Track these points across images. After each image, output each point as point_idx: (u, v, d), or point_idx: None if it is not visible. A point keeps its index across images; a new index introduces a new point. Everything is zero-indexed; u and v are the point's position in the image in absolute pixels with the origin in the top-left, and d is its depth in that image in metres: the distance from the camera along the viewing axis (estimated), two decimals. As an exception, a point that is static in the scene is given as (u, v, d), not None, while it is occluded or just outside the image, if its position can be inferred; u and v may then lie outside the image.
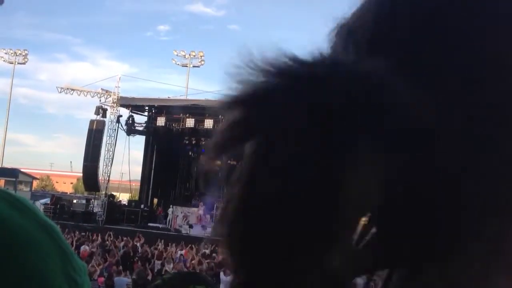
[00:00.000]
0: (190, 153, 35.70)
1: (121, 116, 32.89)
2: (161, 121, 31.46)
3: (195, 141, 31.83)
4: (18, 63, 60.02)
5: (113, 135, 32.55)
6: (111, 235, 23.59)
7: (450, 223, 0.42)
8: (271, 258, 0.41)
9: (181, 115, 30.79)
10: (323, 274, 0.41)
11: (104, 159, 32.42)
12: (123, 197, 42.43)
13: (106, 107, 32.50)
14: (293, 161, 0.39)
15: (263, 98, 0.41)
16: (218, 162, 0.44)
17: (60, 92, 34.72)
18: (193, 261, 18.46)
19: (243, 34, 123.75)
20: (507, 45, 0.42)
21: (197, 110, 30.62)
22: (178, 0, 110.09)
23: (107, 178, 32.77)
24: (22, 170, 48.24)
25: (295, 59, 0.41)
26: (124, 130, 32.98)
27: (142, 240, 23.06)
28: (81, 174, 34.15)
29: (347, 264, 0.42)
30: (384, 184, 0.40)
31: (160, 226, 29.44)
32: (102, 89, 33.05)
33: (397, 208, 0.42)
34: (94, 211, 31.90)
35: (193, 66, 52.17)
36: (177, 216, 30.13)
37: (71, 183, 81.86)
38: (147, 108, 33.41)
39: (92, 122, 32.76)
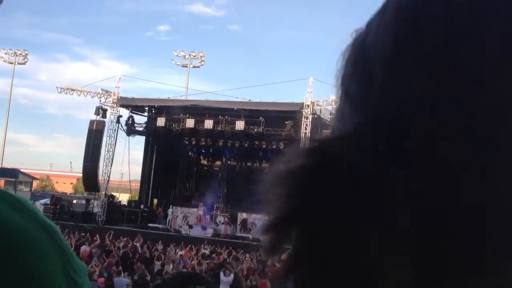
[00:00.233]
0: (190, 153, 35.71)
1: (121, 116, 32.92)
2: (161, 121, 31.48)
3: (195, 141, 31.84)
4: (18, 63, 60.04)
5: (113, 136, 32.59)
6: (111, 235, 23.60)
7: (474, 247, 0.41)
8: None
9: (181, 115, 30.80)
10: None
11: (104, 160, 32.47)
12: (123, 198, 42.48)
13: (106, 107, 32.53)
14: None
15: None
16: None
17: (60, 92, 34.71)
18: (192, 262, 18.47)
19: (243, 34, 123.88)
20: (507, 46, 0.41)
21: (197, 110, 30.63)
22: (178, 0, 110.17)
23: (107, 179, 32.78)
24: (22, 170, 48.25)
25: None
26: (124, 130, 32.99)
27: (142, 241, 23.07)
28: (81, 175, 34.15)
29: None
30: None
31: (160, 226, 29.45)
32: (102, 89, 33.05)
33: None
34: (94, 211, 31.91)
35: (193, 67, 52.25)
36: (177, 216, 30.15)
37: (71, 183, 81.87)
38: (147, 108, 33.43)
39: (92, 122, 32.77)
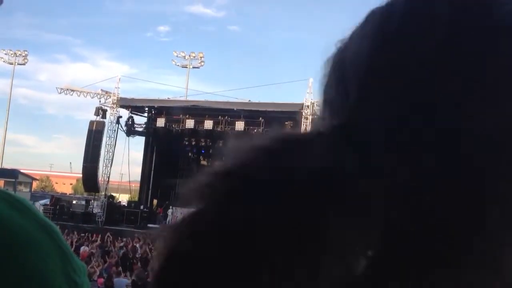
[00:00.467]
0: (189, 154, 35.70)
1: (120, 117, 32.91)
2: (160, 122, 31.47)
3: (194, 142, 31.83)
4: (18, 64, 60.05)
5: (112, 136, 32.58)
6: (110, 236, 23.58)
7: (450, 235, 0.45)
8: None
9: (180, 116, 30.79)
10: None
11: (104, 160, 32.45)
12: (123, 198, 42.46)
13: (106, 108, 32.52)
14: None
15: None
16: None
17: (60, 93, 34.72)
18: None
19: (243, 35, 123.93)
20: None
21: (197, 111, 30.63)
22: (178, 1, 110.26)
23: (107, 179, 32.77)
24: (21, 171, 48.28)
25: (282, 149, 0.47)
26: (123, 131, 32.98)
27: (142, 241, 23.06)
28: (81, 175, 34.14)
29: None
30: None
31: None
32: (102, 90, 33.05)
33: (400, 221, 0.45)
34: (94, 212, 31.88)
35: (193, 67, 52.24)
36: (177, 217, 29.96)
37: (71, 184, 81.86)
38: (146, 109, 33.43)
39: (92, 123, 32.76)
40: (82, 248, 19.26)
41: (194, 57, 51.98)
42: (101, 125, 32.53)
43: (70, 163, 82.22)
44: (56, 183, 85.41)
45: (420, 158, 0.44)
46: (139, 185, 35.95)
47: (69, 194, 60.04)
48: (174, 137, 31.59)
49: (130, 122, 33.21)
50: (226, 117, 29.90)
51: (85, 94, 33.62)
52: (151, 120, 32.83)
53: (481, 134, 0.43)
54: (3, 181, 39.12)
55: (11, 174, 42.59)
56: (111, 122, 32.46)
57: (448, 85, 0.44)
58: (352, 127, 0.47)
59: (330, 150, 0.46)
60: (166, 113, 31.32)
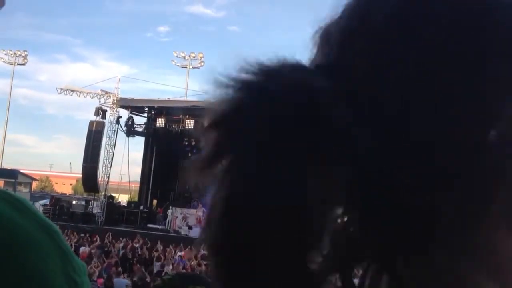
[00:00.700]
0: (189, 154, 35.67)
1: (120, 117, 32.90)
2: (160, 122, 31.48)
3: (194, 142, 31.80)
4: (18, 64, 59.98)
5: (112, 136, 32.57)
6: (110, 236, 23.58)
7: (424, 216, 0.46)
8: (250, 260, 0.46)
9: (180, 116, 30.79)
10: (301, 274, 0.46)
11: (104, 160, 32.45)
12: (123, 198, 42.48)
13: (105, 108, 32.52)
14: (264, 173, 0.46)
15: (229, 122, 0.49)
16: (203, 176, 0.50)
17: (60, 93, 34.73)
18: (192, 263, 18.45)
19: (243, 35, 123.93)
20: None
21: (197, 111, 30.55)
22: (178, 1, 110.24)
23: (107, 179, 32.76)
24: (21, 171, 48.25)
25: (259, 73, 0.49)
26: (123, 131, 32.97)
27: (141, 241, 23.05)
28: (81, 175, 34.14)
29: (325, 263, 0.47)
30: (356, 185, 0.46)
31: (160, 227, 29.41)
32: (101, 90, 33.05)
33: (372, 206, 0.47)
34: (94, 212, 31.87)
35: (193, 67, 52.19)
36: (177, 217, 30.11)
37: (71, 184, 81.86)
38: (146, 109, 33.41)
39: (91, 123, 32.76)
40: (81, 249, 19.26)
41: (194, 57, 51.93)
42: (101, 125, 32.52)
43: (70, 163, 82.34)
44: (56, 183, 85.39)
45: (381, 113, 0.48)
46: (138, 185, 35.93)
47: (69, 194, 60.05)
48: (174, 138, 31.58)
49: (130, 122, 33.20)
50: (226, 118, 29.88)
51: (85, 94, 33.64)
52: (151, 121, 32.83)
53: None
54: (2, 181, 39.09)
55: (11, 174, 42.57)
56: (111, 122, 32.49)
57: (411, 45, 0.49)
58: (333, 64, 0.51)
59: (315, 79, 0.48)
60: (166, 113, 31.32)
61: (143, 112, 33.92)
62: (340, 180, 0.46)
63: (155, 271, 17.42)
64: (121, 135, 33.14)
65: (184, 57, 52.19)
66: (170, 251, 21.00)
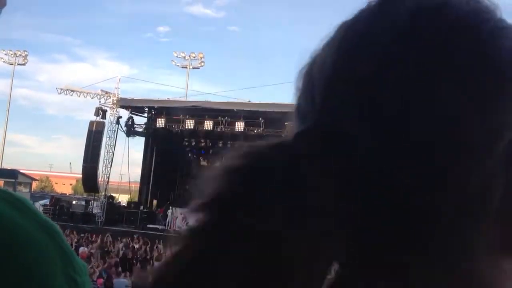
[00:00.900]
0: (189, 154, 35.69)
1: (120, 117, 32.91)
2: (160, 122, 31.47)
3: (194, 142, 31.83)
4: (18, 64, 59.98)
5: (112, 136, 32.58)
6: (110, 236, 23.58)
7: (424, 216, 0.48)
8: None
9: (180, 116, 30.79)
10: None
11: (104, 160, 32.46)
12: (123, 198, 42.46)
13: (105, 108, 32.54)
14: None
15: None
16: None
17: (60, 93, 34.75)
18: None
19: (243, 35, 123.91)
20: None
21: (197, 111, 30.62)
22: (178, 1, 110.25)
23: (107, 179, 32.77)
24: (21, 171, 48.27)
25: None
26: (123, 131, 32.98)
27: (141, 242, 23.05)
28: (81, 175, 34.14)
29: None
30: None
31: (160, 227, 29.41)
32: (102, 90, 33.07)
33: (372, 206, 0.48)
34: (94, 212, 31.89)
35: (193, 68, 52.19)
36: (177, 217, 30.11)
37: (71, 184, 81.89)
38: (146, 109, 33.42)
39: (91, 123, 32.76)
40: (81, 249, 19.24)
41: (194, 57, 51.92)
42: (101, 126, 32.53)
43: (70, 163, 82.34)
44: (56, 183, 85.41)
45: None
46: (138, 185, 35.93)
47: (69, 194, 60.07)
48: (174, 138, 31.59)
49: (130, 123, 33.20)
50: (226, 118, 29.89)
51: (85, 95, 33.66)
52: (151, 121, 32.82)
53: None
54: (2, 181, 39.08)
55: (11, 175, 42.57)
56: (111, 123, 32.51)
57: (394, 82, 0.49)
58: (316, 129, 0.51)
59: (289, 161, 0.49)
60: (166, 113, 31.32)
61: (143, 112, 33.92)
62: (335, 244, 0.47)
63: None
64: (121, 135, 33.18)
65: (184, 57, 52.18)
66: (170, 251, 20.98)
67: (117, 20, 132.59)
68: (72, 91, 34.36)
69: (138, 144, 36.07)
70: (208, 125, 30.14)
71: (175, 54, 52.86)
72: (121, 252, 20.54)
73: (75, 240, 21.35)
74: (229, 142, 30.50)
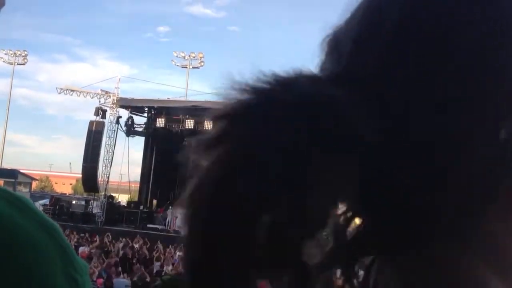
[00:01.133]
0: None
1: (120, 117, 32.88)
2: (160, 122, 31.46)
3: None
4: (17, 64, 59.96)
5: (112, 136, 32.56)
6: (110, 236, 23.57)
7: (425, 216, 0.48)
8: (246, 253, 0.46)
9: (180, 116, 30.78)
10: (300, 267, 0.46)
11: (104, 160, 32.43)
12: (122, 198, 42.41)
13: (105, 108, 32.52)
14: (267, 159, 0.46)
15: (240, 116, 0.50)
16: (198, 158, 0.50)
17: (60, 93, 34.73)
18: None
19: (242, 35, 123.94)
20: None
21: (197, 111, 30.55)
22: (178, 1, 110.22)
23: (106, 179, 32.74)
24: (21, 171, 48.21)
25: (272, 82, 0.50)
26: (123, 131, 32.96)
27: (141, 242, 23.05)
28: (81, 175, 34.12)
29: (325, 256, 0.48)
30: (361, 181, 0.47)
31: (159, 227, 29.40)
32: (101, 90, 33.04)
33: (376, 201, 0.48)
34: (93, 212, 31.86)
35: (193, 67, 52.17)
36: (177, 217, 30.07)
37: (70, 184, 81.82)
38: (146, 109, 33.40)
39: (91, 123, 32.74)
40: (81, 249, 19.24)
41: (194, 57, 51.90)
42: (101, 125, 32.51)
43: (70, 163, 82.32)
44: (56, 183, 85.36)
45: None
46: (138, 185, 35.92)
47: (69, 194, 60.01)
48: (174, 138, 31.55)
49: (129, 122, 33.18)
50: (226, 118, 29.88)
51: (84, 94, 33.64)
52: (151, 120, 32.81)
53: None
54: (2, 181, 39.01)
55: (11, 174, 42.51)
56: (110, 122, 32.48)
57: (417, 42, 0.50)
58: (344, 72, 0.52)
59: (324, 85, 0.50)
60: (166, 113, 31.30)
61: (143, 112, 33.91)
62: (345, 177, 0.46)
63: (155, 271, 17.40)
64: (121, 135, 33.16)
65: (184, 57, 52.16)
66: (170, 251, 20.99)
67: (117, 20, 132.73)
68: (72, 91, 34.34)
69: (138, 144, 36.09)
70: (208, 125, 30.12)
71: (175, 54, 52.85)
72: (121, 252, 20.53)
73: (75, 240, 21.33)
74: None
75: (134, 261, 19.06)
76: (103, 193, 32.14)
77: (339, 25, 0.56)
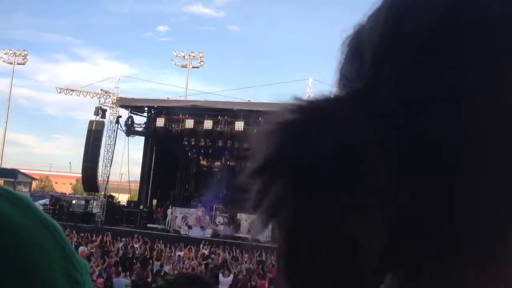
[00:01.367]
0: (189, 154, 35.70)
1: (120, 116, 32.91)
2: (160, 122, 31.49)
3: (194, 142, 31.85)
4: (17, 64, 60.00)
5: (112, 136, 32.60)
6: (110, 235, 23.59)
7: (446, 229, 0.46)
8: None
9: (180, 116, 30.81)
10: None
11: (103, 160, 32.48)
12: (122, 198, 42.46)
13: (105, 107, 32.55)
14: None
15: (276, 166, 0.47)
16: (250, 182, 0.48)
17: (60, 93, 34.74)
18: (192, 262, 18.46)
19: (242, 35, 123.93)
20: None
21: (197, 111, 30.62)
22: (177, 1, 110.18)
23: (106, 179, 32.78)
24: (21, 170, 48.22)
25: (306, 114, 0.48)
26: (123, 130, 33.00)
27: (141, 241, 23.07)
28: (80, 175, 34.14)
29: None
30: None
31: (159, 227, 29.44)
32: (101, 89, 33.06)
33: (400, 219, 0.47)
34: (93, 211, 31.91)
35: (193, 67, 52.23)
36: (176, 217, 30.13)
37: (70, 183, 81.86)
38: (146, 109, 33.43)
39: (91, 122, 32.78)
40: (81, 248, 19.25)
41: (194, 57, 51.95)
42: (101, 125, 32.55)
43: (70, 163, 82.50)
44: (56, 183, 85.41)
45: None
46: (138, 185, 35.96)
47: (69, 194, 59.99)
48: (174, 137, 31.60)
49: (129, 122, 33.22)
50: (226, 117, 29.91)
51: (84, 94, 33.65)
52: (151, 120, 32.84)
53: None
54: (2, 181, 38.99)
55: (11, 174, 42.52)
56: (110, 122, 32.51)
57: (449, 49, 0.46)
58: (369, 89, 0.49)
59: (353, 119, 0.47)
60: (166, 113, 31.33)
61: (143, 111, 33.94)
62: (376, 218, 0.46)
63: (154, 270, 17.42)
64: (121, 134, 33.20)
65: (184, 56, 52.21)
66: (170, 251, 21.02)
67: (116, 19, 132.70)
68: (72, 90, 34.35)
69: (137, 144, 36.20)
70: (208, 124, 30.15)
71: (175, 54, 52.91)
72: (120, 252, 20.55)
73: (75, 239, 21.35)
74: (228, 142, 30.57)
75: (134, 261, 19.08)
76: (103, 193, 32.18)
77: (360, 27, 0.53)
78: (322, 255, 0.46)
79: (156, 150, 33.72)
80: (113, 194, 36.44)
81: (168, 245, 22.25)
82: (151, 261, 19.07)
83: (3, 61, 59.54)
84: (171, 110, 31.01)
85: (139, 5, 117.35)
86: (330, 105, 0.49)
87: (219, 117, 30.08)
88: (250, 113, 29.17)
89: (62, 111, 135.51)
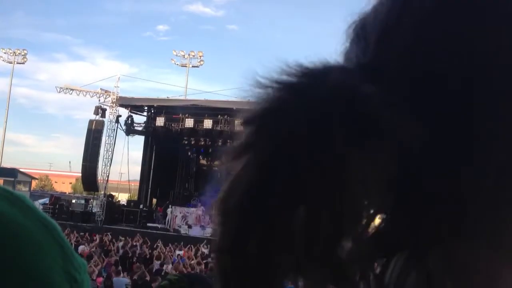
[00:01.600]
0: (189, 153, 35.70)
1: (120, 116, 32.91)
2: (160, 121, 31.48)
3: (194, 141, 31.84)
4: (17, 63, 59.95)
5: (112, 135, 32.58)
6: (109, 235, 23.59)
7: (452, 212, 0.46)
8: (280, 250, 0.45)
9: (180, 115, 30.80)
10: (333, 265, 0.45)
11: (103, 159, 32.47)
12: (122, 197, 42.44)
13: (105, 107, 32.55)
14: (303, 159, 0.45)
15: (264, 119, 0.48)
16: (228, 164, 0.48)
17: (59, 92, 34.76)
18: (192, 262, 18.46)
19: (242, 34, 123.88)
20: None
21: (196, 110, 30.63)
22: (177, 0, 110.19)
23: (106, 178, 32.77)
24: (21, 170, 48.23)
25: (299, 74, 0.48)
26: (123, 130, 32.99)
27: (141, 240, 23.07)
28: (80, 174, 34.15)
29: (356, 254, 0.46)
30: (391, 178, 0.45)
31: (159, 226, 29.45)
32: (101, 89, 33.08)
33: (404, 198, 0.47)
34: (93, 211, 31.91)
35: (192, 66, 52.19)
36: (176, 216, 30.14)
37: (70, 183, 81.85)
38: (146, 108, 33.42)
39: (91, 122, 32.77)
40: (81, 248, 19.25)
41: (194, 56, 51.92)
42: (101, 124, 32.54)
43: (70, 162, 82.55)
44: (56, 182, 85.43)
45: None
46: (138, 184, 35.96)
47: (69, 193, 59.96)
48: (174, 136, 31.59)
49: (129, 121, 33.21)
50: (226, 116, 29.90)
51: (84, 93, 33.65)
52: (151, 119, 32.84)
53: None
54: (2, 180, 39.02)
55: (10, 173, 42.52)
56: (110, 121, 32.50)
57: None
58: (373, 64, 0.49)
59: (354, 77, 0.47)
60: (166, 112, 31.32)
61: (142, 111, 33.93)
62: (379, 174, 0.45)
63: (154, 270, 17.42)
64: (121, 134, 33.20)
65: (184, 56, 52.17)
66: (170, 250, 21.02)
67: (116, 19, 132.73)
68: (72, 90, 34.36)
69: (137, 143, 36.23)
70: (208, 123, 30.15)
71: (175, 53, 52.87)
72: (120, 251, 20.55)
73: (75, 239, 21.35)
74: (228, 141, 30.52)
75: (134, 260, 19.08)
76: (102, 192, 32.17)
77: (366, 12, 0.53)
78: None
79: (156, 149, 33.72)
80: (113, 194, 36.44)
81: (168, 244, 22.25)
82: (151, 260, 19.07)
83: (3, 60, 59.48)
84: (170, 109, 31.00)
85: (139, 4, 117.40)
86: (335, 69, 0.49)
87: (219, 116, 30.07)
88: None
89: (62, 110, 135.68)
